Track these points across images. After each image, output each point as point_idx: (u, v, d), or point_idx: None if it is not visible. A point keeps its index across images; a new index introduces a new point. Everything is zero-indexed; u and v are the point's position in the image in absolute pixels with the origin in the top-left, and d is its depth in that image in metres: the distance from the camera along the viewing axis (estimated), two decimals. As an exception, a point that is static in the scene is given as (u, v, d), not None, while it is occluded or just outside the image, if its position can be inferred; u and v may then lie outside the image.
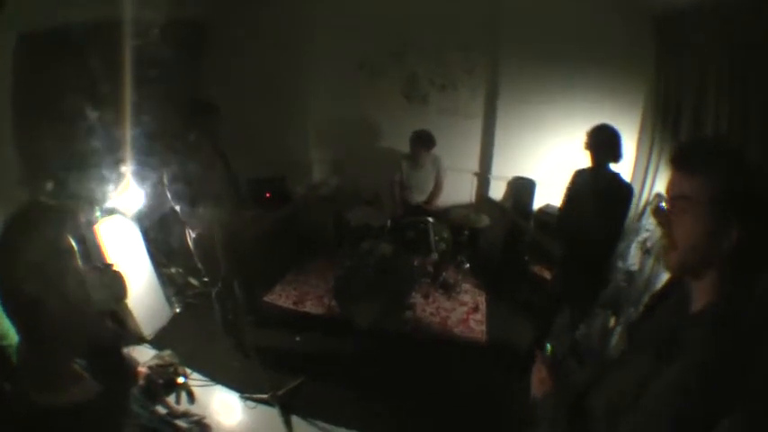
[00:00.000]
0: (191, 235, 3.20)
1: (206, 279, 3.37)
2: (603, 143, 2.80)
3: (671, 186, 1.03)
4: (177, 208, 3.07)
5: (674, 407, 0.90)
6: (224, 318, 3.53)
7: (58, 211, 1.38)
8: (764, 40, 2.46)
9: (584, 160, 3.13)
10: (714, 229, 0.95)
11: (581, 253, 2.89)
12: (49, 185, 3.05)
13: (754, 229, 0.92)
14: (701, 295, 1.01)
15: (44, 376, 1.29)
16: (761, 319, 0.93)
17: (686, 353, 0.94)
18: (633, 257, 3.40)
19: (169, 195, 3.03)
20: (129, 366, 2.46)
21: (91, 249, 3.27)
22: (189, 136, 3.18)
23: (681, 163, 1.02)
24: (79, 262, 1.38)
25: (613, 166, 2.84)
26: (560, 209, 3.21)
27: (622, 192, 2.85)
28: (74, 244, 1.36)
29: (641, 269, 3.47)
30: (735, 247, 0.93)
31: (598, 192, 2.80)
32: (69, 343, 1.35)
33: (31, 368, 1.29)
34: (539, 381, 1.38)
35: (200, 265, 3.24)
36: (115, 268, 1.63)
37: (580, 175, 3.07)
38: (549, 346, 1.50)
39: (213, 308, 3.50)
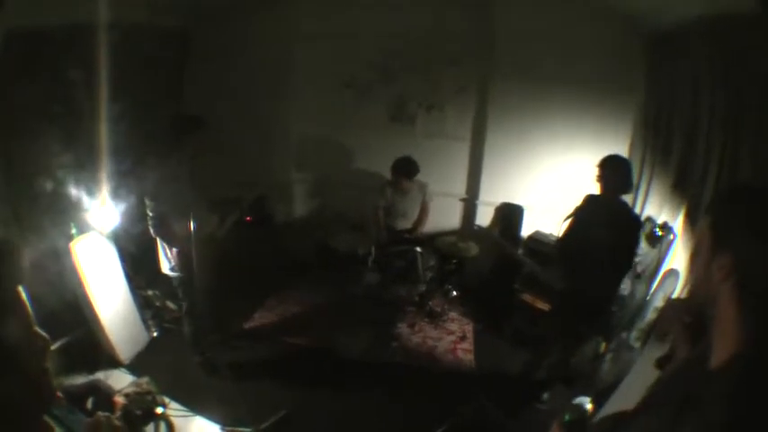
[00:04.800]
0: (171, 252, 3.06)
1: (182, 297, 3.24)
2: (614, 174, 2.82)
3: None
4: (154, 225, 2.93)
5: None
6: (194, 337, 3.37)
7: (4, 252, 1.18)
8: (757, 57, 2.47)
9: (575, 185, 3.12)
10: (711, 258, 0.94)
11: (588, 284, 2.86)
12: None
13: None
14: (722, 346, 0.92)
15: None
16: None
17: (706, 413, 0.85)
18: (624, 282, 3.38)
19: (150, 214, 2.88)
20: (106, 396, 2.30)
21: (67, 270, 3.09)
22: (173, 153, 3.04)
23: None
24: (32, 316, 1.25)
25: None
26: (566, 232, 3.17)
27: (631, 224, 2.85)
28: (24, 297, 1.21)
29: (632, 294, 3.46)
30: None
31: (608, 222, 2.80)
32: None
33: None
34: None
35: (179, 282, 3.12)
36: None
37: (593, 202, 3.05)
38: (567, 416, 1.42)
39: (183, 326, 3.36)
